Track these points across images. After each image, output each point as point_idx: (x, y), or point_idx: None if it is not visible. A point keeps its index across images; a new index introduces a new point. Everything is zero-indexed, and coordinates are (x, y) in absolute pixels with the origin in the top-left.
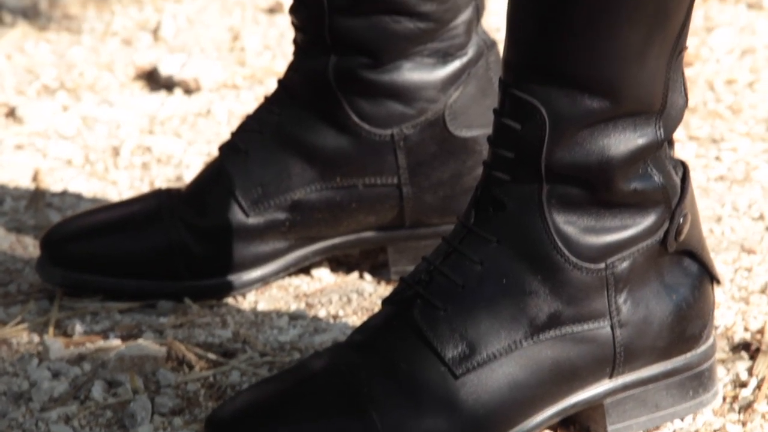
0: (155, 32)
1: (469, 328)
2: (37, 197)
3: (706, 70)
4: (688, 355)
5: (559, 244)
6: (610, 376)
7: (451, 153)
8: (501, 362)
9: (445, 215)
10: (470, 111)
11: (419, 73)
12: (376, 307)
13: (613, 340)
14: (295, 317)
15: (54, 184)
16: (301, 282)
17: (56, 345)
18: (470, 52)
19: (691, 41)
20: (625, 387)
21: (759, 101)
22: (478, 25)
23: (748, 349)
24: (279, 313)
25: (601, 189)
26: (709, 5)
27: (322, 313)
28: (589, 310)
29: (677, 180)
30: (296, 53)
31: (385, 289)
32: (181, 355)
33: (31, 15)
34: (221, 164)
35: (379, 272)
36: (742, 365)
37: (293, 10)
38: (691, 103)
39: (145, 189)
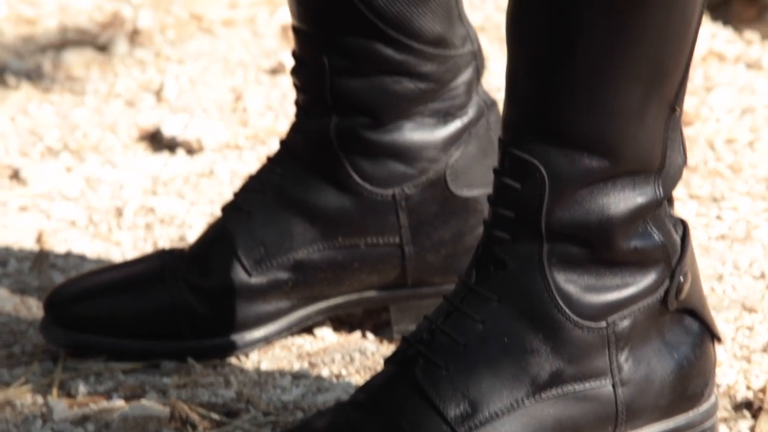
0: (158, 93)
1: (471, 386)
2: (41, 258)
3: (706, 129)
4: (690, 413)
5: (560, 302)
6: None
7: (453, 212)
8: (503, 421)
9: (447, 274)
10: (471, 171)
11: (420, 133)
12: (379, 367)
13: (615, 398)
14: (298, 377)
15: (58, 245)
16: (303, 341)
17: (60, 406)
18: (471, 112)
19: (691, 100)
20: None
21: (759, 160)
22: (479, 85)
23: (750, 407)
24: (282, 373)
25: (601, 248)
26: (709, 65)
27: (325, 373)
28: (591, 368)
29: (677, 238)
30: (298, 114)
31: (388, 348)
32: (185, 415)
33: (34, 77)
34: (224, 224)
35: (381, 331)
36: (744, 424)
37: (295, 72)
38: (691, 162)
39: (148, 249)
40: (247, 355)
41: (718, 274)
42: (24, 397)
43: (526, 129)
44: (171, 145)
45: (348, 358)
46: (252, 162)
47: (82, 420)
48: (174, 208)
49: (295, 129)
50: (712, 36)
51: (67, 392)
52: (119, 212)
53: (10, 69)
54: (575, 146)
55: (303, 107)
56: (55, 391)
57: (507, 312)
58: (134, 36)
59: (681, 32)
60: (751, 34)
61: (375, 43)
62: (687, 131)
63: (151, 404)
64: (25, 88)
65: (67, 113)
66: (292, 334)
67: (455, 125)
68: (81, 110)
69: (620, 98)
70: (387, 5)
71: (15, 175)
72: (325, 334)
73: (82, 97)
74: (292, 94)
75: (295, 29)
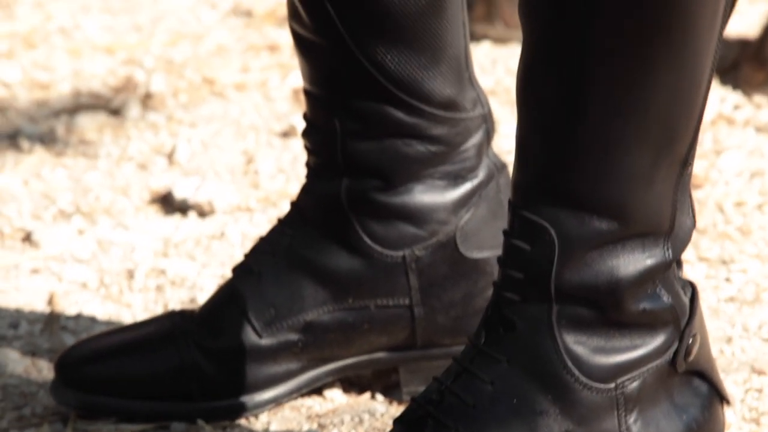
0: (170, 156)
1: None
2: (52, 320)
3: (715, 192)
4: None
5: (570, 364)
6: None
7: (463, 274)
8: None
9: (456, 336)
10: (481, 233)
11: (431, 196)
12: (388, 428)
13: None
14: None
15: (69, 307)
16: (313, 402)
17: None
18: (481, 174)
19: (701, 164)
20: None
21: None
22: (489, 147)
23: None
24: None
25: (610, 309)
26: (718, 128)
27: None
28: (600, 430)
29: (686, 300)
30: (309, 176)
31: (397, 410)
32: None
33: (48, 141)
34: (234, 286)
35: (391, 392)
36: None
37: (306, 134)
38: (700, 224)
39: (159, 311)
40: (256, 417)
41: (727, 336)
42: None
43: (535, 191)
44: (182, 208)
45: (357, 419)
46: (263, 224)
47: None
48: (185, 270)
49: (306, 191)
50: (721, 100)
51: None
52: (130, 274)
53: (24, 133)
54: (585, 208)
55: (314, 170)
56: None
57: (516, 373)
58: (147, 100)
59: (690, 95)
60: (760, 98)
61: (386, 106)
62: (696, 194)
63: None
64: (38, 152)
65: (79, 176)
66: (302, 396)
67: (465, 188)
68: (93, 173)
69: (630, 161)
70: (398, 69)
71: (27, 238)
72: (335, 395)
73: (95, 161)
74: (303, 157)
75: (307, 92)
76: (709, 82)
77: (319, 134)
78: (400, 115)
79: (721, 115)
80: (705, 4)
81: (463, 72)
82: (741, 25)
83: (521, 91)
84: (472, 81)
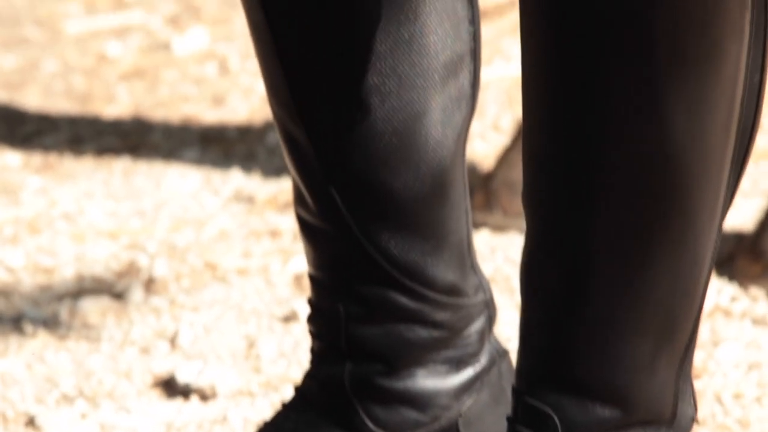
0: (172, 340)
1: None
2: None
3: (713, 383)
4: None
5: None
6: None
7: None
8: None
9: None
10: (484, 418)
11: (433, 381)
12: None
13: None
14: None
15: None
16: None
17: None
18: (483, 360)
19: (698, 355)
20: None
21: (767, 415)
22: (490, 333)
23: None
24: None
25: None
26: (715, 319)
27: None
28: None
29: None
30: (313, 360)
31: None
32: None
33: (51, 324)
34: None
35: None
36: None
37: (310, 319)
38: (699, 415)
39: None
40: None
41: None
42: None
43: (539, 377)
44: (185, 392)
45: None
46: (265, 409)
47: None
48: None
49: (309, 376)
50: (717, 291)
51: None
52: None
53: (28, 317)
54: (588, 396)
55: (318, 354)
56: None
57: None
58: (149, 284)
59: (690, 287)
60: (756, 291)
61: (390, 291)
62: (695, 384)
63: None
64: (41, 336)
65: (82, 360)
66: None
67: (468, 373)
68: (96, 357)
69: (632, 350)
70: (402, 255)
71: (30, 422)
72: None
73: (98, 344)
74: (304, 342)
75: (311, 277)
76: (709, 274)
77: (323, 318)
78: (404, 300)
79: (718, 307)
80: (705, 198)
81: (466, 258)
82: (736, 219)
83: (524, 279)
84: (474, 267)
